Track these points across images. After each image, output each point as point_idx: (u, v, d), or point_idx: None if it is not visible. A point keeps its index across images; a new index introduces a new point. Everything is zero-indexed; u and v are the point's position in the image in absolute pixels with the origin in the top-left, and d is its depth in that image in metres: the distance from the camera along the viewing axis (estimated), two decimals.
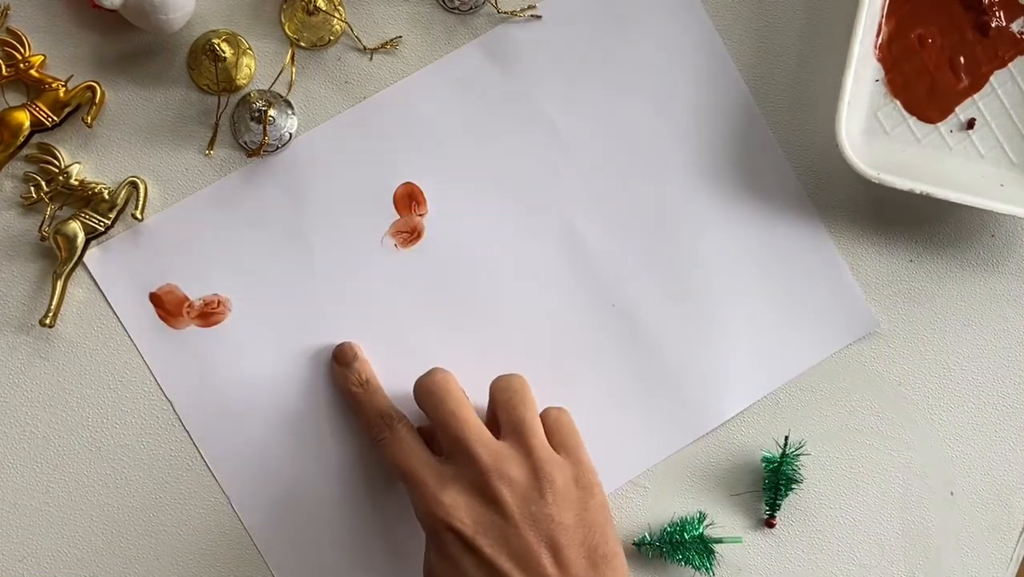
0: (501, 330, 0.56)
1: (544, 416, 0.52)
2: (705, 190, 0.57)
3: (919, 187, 0.53)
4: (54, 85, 0.53)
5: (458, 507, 0.48)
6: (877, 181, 0.54)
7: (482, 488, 0.48)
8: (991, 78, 0.56)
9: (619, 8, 0.56)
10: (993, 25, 0.55)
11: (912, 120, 0.56)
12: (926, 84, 0.56)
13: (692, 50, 0.56)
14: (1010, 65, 0.56)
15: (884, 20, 0.55)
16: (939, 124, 0.56)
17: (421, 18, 0.56)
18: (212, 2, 0.54)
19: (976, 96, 0.56)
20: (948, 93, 0.56)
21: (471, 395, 0.53)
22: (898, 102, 0.56)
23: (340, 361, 0.54)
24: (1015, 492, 0.59)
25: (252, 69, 0.55)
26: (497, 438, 0.50)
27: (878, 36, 0.55)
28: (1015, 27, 0.55)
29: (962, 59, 0.55)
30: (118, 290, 0.55)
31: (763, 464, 0.57)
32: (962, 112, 0.56)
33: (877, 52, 0.55)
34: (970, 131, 0.56)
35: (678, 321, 0.57)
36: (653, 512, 0.58)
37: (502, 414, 0.51)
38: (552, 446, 0.50)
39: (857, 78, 0.54)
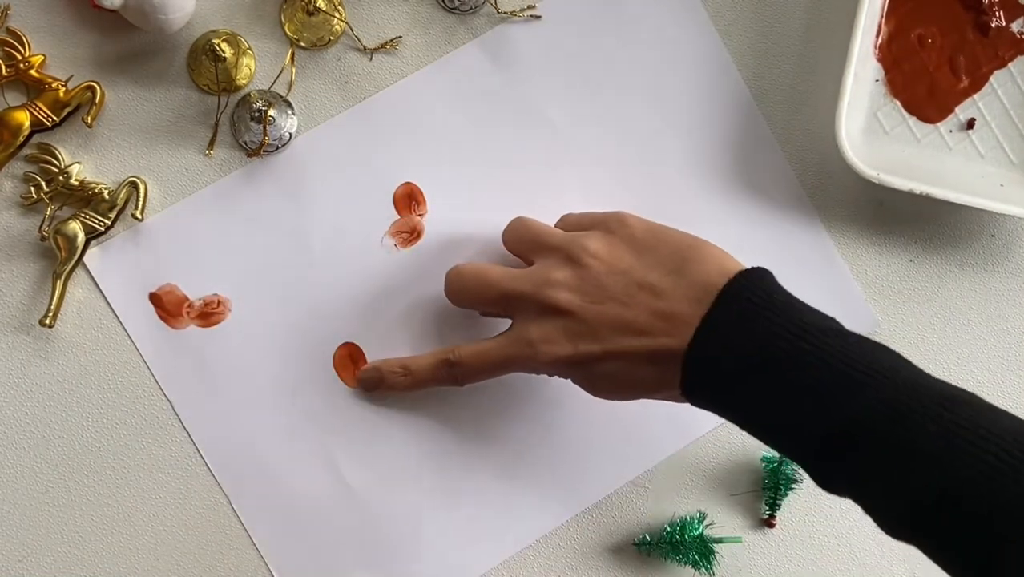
0: (501, 329, 0.56)
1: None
2: (705, 190, 0.57)
3: (919, 187, 0.53)
4: (54, 85, 0.53)
5: (545, 340, 0.48)
6: (877, 181, 0.54)
7: (545, 310, 0.48)
8: (991, 78, 0.56)
9: (619, 8, 0.56)
10: (993, 25, 0.55)
11: (912, 120, 0.56)
12: (926, 84, 0.56)
13: (692, 50, 0.56)
14: (1010, 65, 0.56)
15: (884, 20, 0.55)
16: (939, 124, 0.56)
17: (421, 18, 0.56)
18: (212, 2, 0.54)
19: (976, 96, 0.56)
20: (948, 93, 0.56)
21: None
22: (898, 102, 0.56)
23: (370, 388, 0.55)
24: None
25: (252, 69, 0.55)
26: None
27: (878, 36, 0.55)
28: (1015, 27, 0.55)
29: (962, 59, 0.56)
30: (118, 290, 0.55)
31: (763, 464, 0.57)
32: (962, 112, 0.56)
33: (877, 52, 0.55)
34: (970, 131, 0.56)
35: None
36: (653, 512, 0.58)
37: (519, 247, 0.52)
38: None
39: (857, 78, 0.54)
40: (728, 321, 0.45)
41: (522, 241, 0.52)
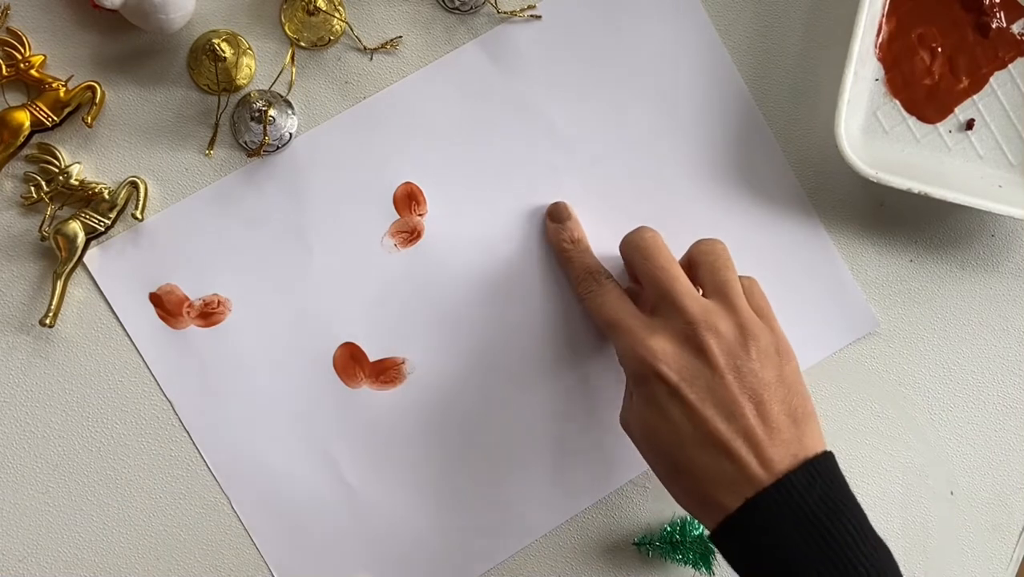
0: (501, 329, 0.56)
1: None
2: (705, 190, 0.57)
3: (917, 187, 0.53)
4: (54, 85, 0.53)
5: (666, 353, 0.48)
6: (875, 180, 0.54)
7: (690, 338, 0.48)
8: (991, 79, 0.56)
9: (619, 8, 0.56)
10: (993, 26, 0.55)
11: (911, 120, 0.56)
12: (926, 84, 0.56)
13: (692, 50, 0.56)
14: (1010, 66, 0.56)
15: (884, 19, 0.55)
16: (938, 124, 0.56)
17: (421, 18, 0.56)
18: (212, 2, 0.54)
19: (976, 97, 0.56)
20: (948, 93, 0.56)
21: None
22: (898, 102, 0.56)
23: (554, 218, 0.55)
24: (1015, 492, 0.59)
25: (252, 69, 0.55)
26: None
27: (878, 35, 0.55)
28: (1016, 28, 0.55)
29: (962, 60, 0.55)
30: (118, 290, 0.55)
31: None
32: (961, 113, 0.56)
33: (877, 51, 0.55)
34: (969, 132, 0.56)
35: None
36: (653, 512, 0.57)
37: (706, 275, 0.51)
38: None
39: (857, 77, 0.54)
40: (808, 493, 0.46)
41: (712, 274, 0.51)
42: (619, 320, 0.50)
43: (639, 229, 0.52)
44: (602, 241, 0.56)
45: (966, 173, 0.56)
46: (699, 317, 0.48)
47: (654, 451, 0.50)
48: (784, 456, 0.46)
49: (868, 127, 0.56)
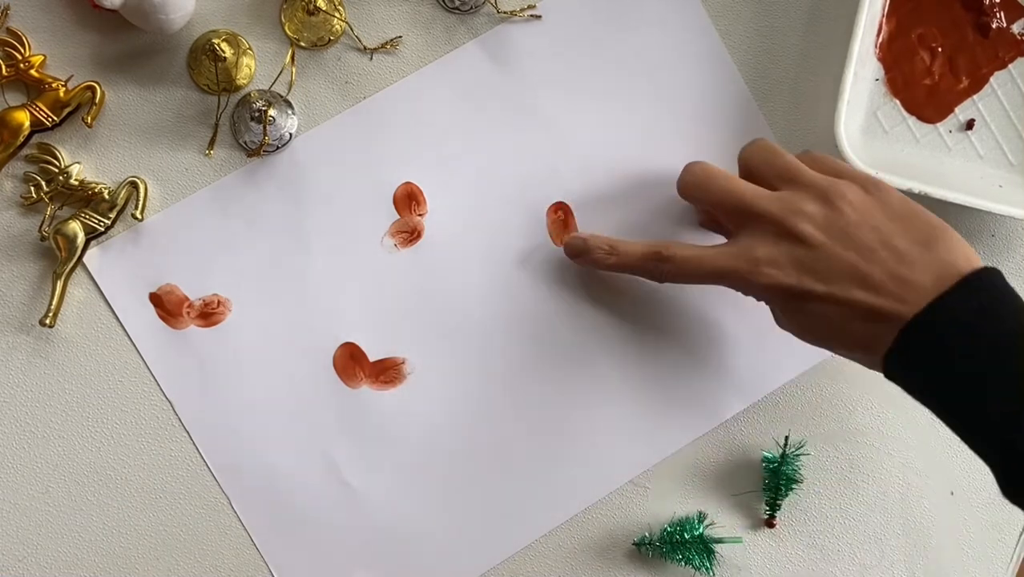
0: (501, 329, 0.56)
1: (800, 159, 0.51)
2: None
3: (917, 186, 0.53)
4: (54, 85, 0.53)
5: (772, 260, 0.48)
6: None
7: (784, 234, 0.48)
8: (991, 79, 0.56)
9: (619, 8, 0.56)
10: (994, 26, 0.55)
11: (911, 120, 0.56)
12: (926, 84, 0.56)
13: (692, 50, 0.56)
14: (1010, 66, 0.56)
15: (885, 19, 0.55)
16: (938, 124, 0.56)
17: (421, 18, 0.56)
18: (212, 2, 0.54)
19: (976, 97, 0.56)
20: (948, 93, 0.56)
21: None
22: (898, 102, 0.56)
23: (577, 255, 0.54)
24: None
25: (252, 69, 0.55)
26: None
27: (878, 35, 0.55)
28: (1016, 28, 0.55)
29: (962, 60, 0.55)
30: (118, 290, 0.55)
31: (763, 464, 0.57)
32: (961, 113, 0.56)
33: (877, 51, 0.55)
34: (969, 132, 0.56)
35: (677, 320, 0.57)
36: (653, 512, 0.58)
37: (765, 172, 0.50)
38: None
39: (857, 77, 0.54)
40: (966, 307, 0.45)
41: (771, 166, 0.50)
42: (713, 265, 0.50)
43: (687, 167, 0.51)
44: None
45: (966, 173, 0.56)
46: (781, 211, 0.48)
47: (821, 343, 0.50)
48: (927, 282, 0.45)
49: (868, 127, 0.56)
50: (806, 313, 0.48)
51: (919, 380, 0.46)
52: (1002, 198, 0.54)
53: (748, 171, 0.51)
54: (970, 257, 0.47)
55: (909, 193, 0.54)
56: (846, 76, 0.53)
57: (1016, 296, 0.46)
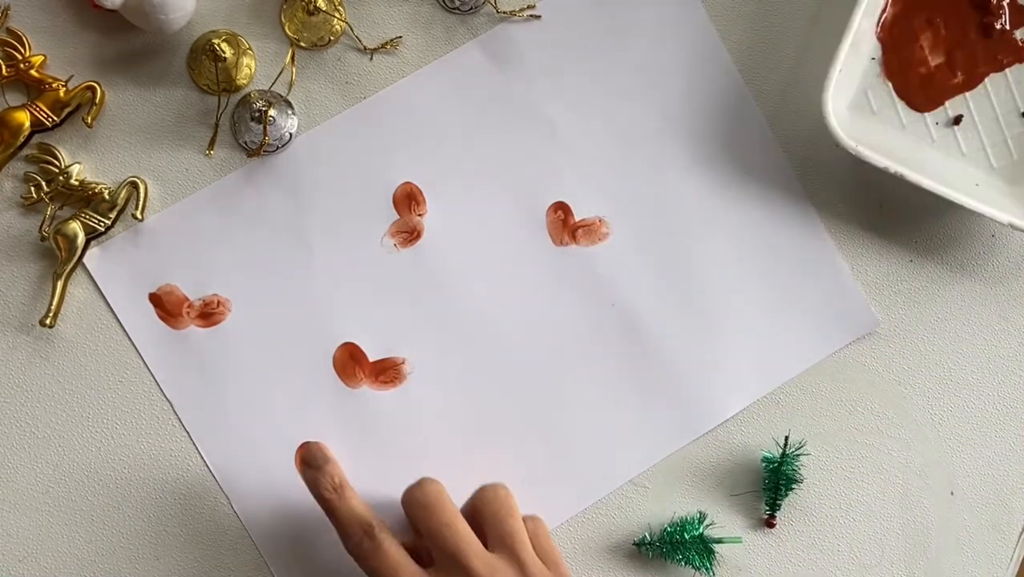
0: (500, 330, 0.56)
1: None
2: (705, 191, 0.57)
3: (895, 167, 0.53)
4: (54, 85, 0.53)
5: None
6: (855, 153, 0.53)
7: None
8: (986, 80, 0.56)
9: (618, 8, 0.56)
10: (997, 27, 0.55)
11: (901, 105, 0.56)
12: (921, 72, 0.55)
13: (692, 50, 0.56)
14: (1007, 71, 0.55)
15: (891, 1, 0.55)
16: (926, 114, 0.56)
17: (421, 18, 0.56)
18: (212, 2, 0.54)
19: (968, 94, 0.56)
20: (941, 86, 0.56)
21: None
22: (890, 84, 0.56)
23: (309, 464, 0.51)
24: (1015, 492, 0.59)
25: (252, 69, 0.55)
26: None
27: (882, 14, 0.55)
28: (1019, 34, 0.55)
29: (961, 55, 0.55)
30: (118, 290, 0.55)
31: (763, 464, 0.57)
32: (951, 107, 0.56)
33: (878, 30, 0.55)
34: (956, 127, 0.56)
35: (678, 320, 0.57)
36: (653, 512, 0.57)
37: (490, 526, 0.50)
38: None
39: (854, 51, 0.53)
40: None
41: (498, 523, 0.50)
42: (412, 571, 0.48)
43: (420, 483, 0.50)
44: (601, 240, 0.56)
45: (945, 167, 0.55)
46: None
47: None
48: None
49: (856, 103, 0.55)
50: None
51: None
52: (976, 196, 0.54)
53: (473, 512, 0.51)
54: None
55: (885, 172, 0.54)
56: (843, 44, 0.52)
57: None
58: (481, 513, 0.51)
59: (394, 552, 0.49)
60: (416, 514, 0.50)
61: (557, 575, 0.50)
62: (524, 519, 0.52)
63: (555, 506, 0.57)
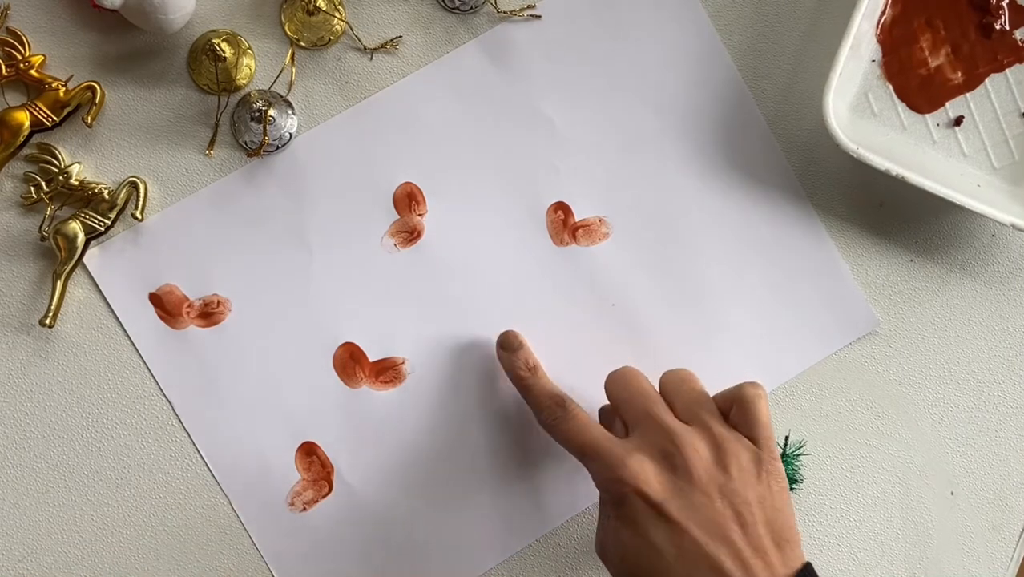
0: (501, 329, 0.56)
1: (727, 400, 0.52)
2: (705, 191, 0.57)
3: (896, 169, 0.53)
4: (54, 85, 0.53)
5: (647, 472, 0.47)
6: (855, 155, 0.53)
7: (670, 455, 0.47)
8: (986, 80, 0.56)
9: (618, 8, 0.56)
10: (997, 28, 0.55)
11: (901, 106, 0.56)
12: (921, 74, 0.56)
13: (691, 50, 0.56)
14: (1007, 71, 0.56)
15: (890, 3, 0.55)
16: (927, 115, 0.56)
17: (421, 18, 0.56)
18: (212, 2, 0.54)
19: (969, 95, 0.56)
20: (941, 87, 0.56)
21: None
22: (891, 86, 0.56)
23: (506, 348, 0.55)
24: (1015, 492, 0.59)
25: (252, 69, 0.55)
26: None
27: (882, 16, 0.55)
28: (1018, 35, 0.55)
29: (961, 56, 0.55)
30: (118, 290, 0.55)
31: None
32: (952, 108, 0.56)
33: (878, 32, 0.55)
34: (956, 128, 0.56)
35: (678, 320, 0.57)
36: None
37: (679, 400, 0.50)
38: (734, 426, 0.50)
39: (854, 53, 0.53)
40: None
41: (688, 393, 0.51)
42: (593, 442, 0.49)
43: (623, 367, 0.52)
44: (601, 240, 0.56)
45: (947, 168, 0.55)
46: (679, 432, 0.48)
47: (632, 571, 0.48)
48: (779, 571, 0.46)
49: (857, 105, 0.56)
50: (647, 538, 0.47)
51: None
52: (978, 196, 0.54)
53: (663, 393, 0.51)
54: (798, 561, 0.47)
55: (887, 174, 0.54)
56: (843, 46, 0.52)
57: None
58: (669, 392, 0.51)
59: (584, 416, 0.51)
60: (614, 388, 0.52)
61: (751, 444, 0.49)
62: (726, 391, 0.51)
63: (555, 506, 0.57)
